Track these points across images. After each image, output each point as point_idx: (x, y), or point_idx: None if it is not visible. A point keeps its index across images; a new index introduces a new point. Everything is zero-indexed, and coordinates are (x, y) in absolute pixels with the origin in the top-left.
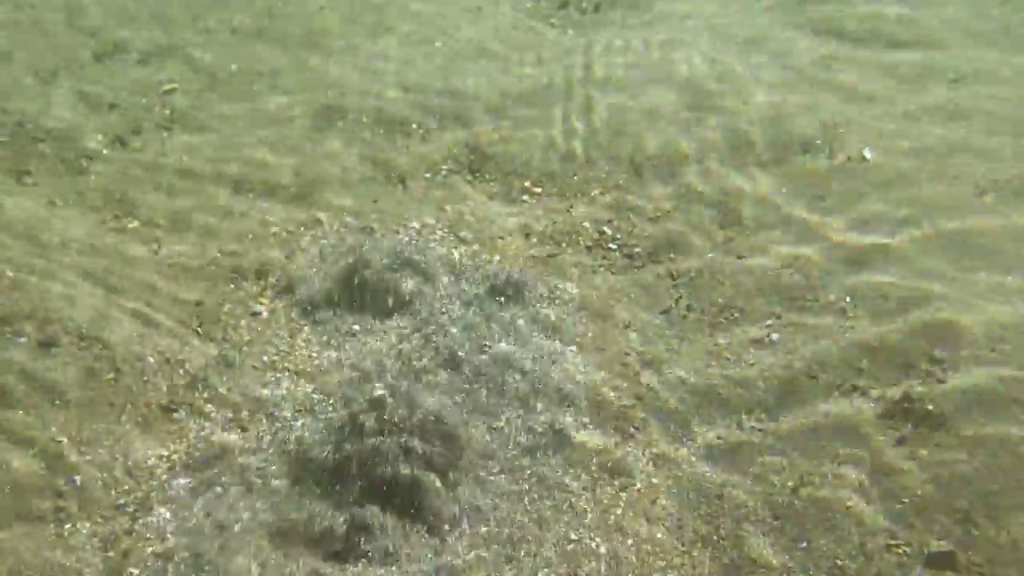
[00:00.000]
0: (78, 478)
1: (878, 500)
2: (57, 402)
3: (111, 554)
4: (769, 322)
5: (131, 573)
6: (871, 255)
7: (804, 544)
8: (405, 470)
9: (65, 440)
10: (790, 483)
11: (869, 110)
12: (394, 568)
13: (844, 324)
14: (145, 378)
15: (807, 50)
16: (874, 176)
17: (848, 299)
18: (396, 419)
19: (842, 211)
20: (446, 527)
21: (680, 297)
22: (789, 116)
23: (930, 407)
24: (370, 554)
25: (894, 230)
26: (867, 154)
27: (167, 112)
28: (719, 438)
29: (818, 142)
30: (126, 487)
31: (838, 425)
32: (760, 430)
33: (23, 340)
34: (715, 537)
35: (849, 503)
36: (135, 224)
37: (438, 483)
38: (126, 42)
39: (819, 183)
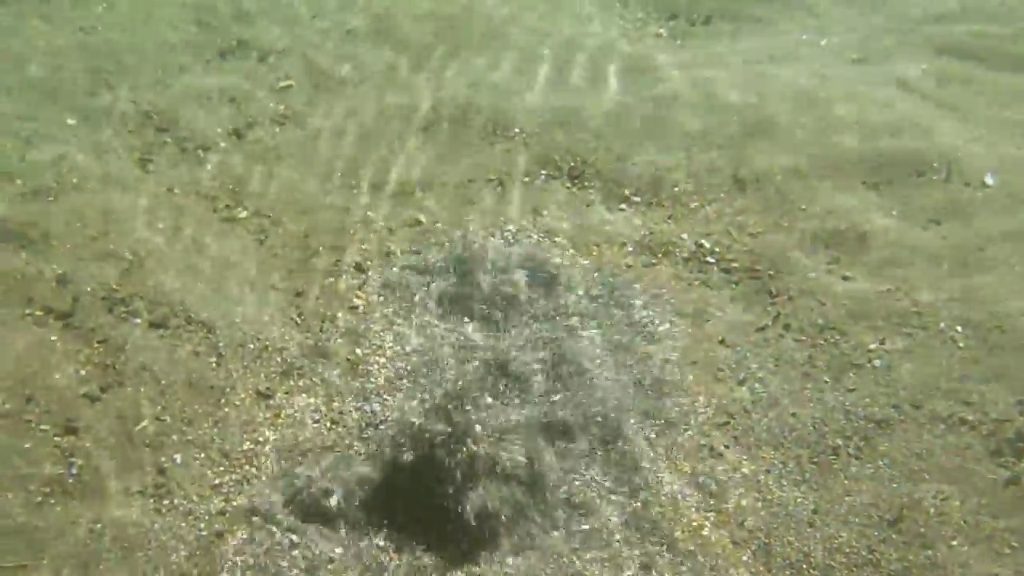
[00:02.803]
0: (179, 457)
1: (984, 542)
2: (163, 382)
3: (204, 533)
4: (872, 346)
5: (223, 553)
6: (988, 284)
7: None
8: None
9: (168, 419)
10: (888, 516)
11: (993, 134)
12: None
13: (955, 353)
14: (245, 364)
15: (927, 69)
16: (994, 203)
17: (960, 328)
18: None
19: (957, 237)
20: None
21: (778, 316)
22: (904, 136)
23: None
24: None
25: (1013, 259)
26: (988, 179)
27: (281, 108)
28: (813, 463)
29: (935, 164)
30: (222, 468)
31: (943, 460)
32: (858, 459)
33: (137, 321)
34: (804, 566)
35: (952, 542)
36: (244, 214)
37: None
38: (248, 40)
39: (934, 207)
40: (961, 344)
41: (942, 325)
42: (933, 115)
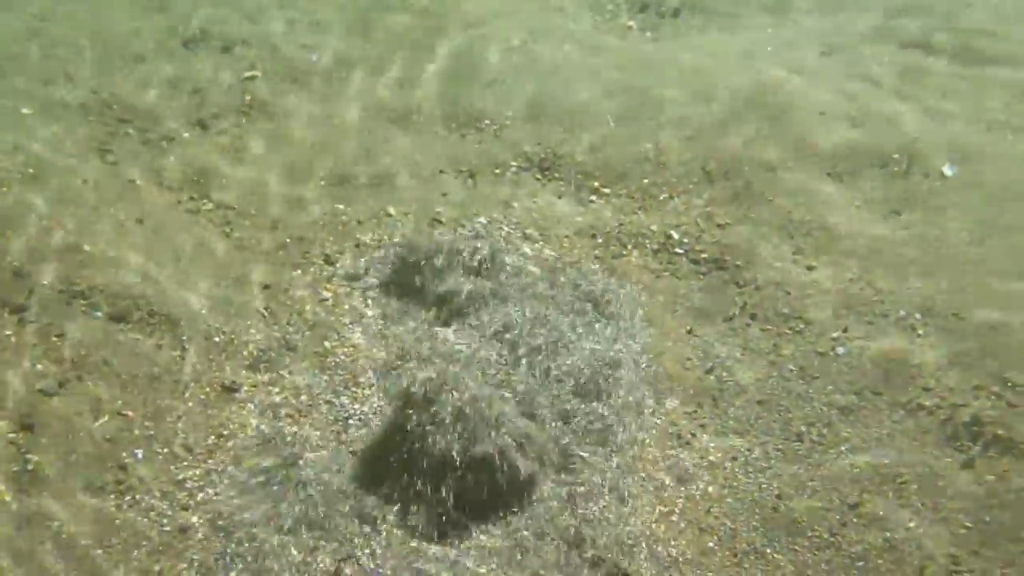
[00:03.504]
0: (140, 452)
1: (941, 524)
2: (124, 376)
3: (168, 528)
4: (835, 335)
5: (186, 548)
6: (946, 273)
7: (861, 564)
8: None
9: (131, 414)
10: (849, 500)
11: (952, 126)
12: None
13: (914, 341)
14: (210, 357)
15: (890, 63)
16: (953, 193)
17: (919, 316)
18: (447, 413)
19: (917, 227)
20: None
21: (745, 305)
22: (867, 127)
23: (1000, 431)
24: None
25: (970, 248)
26: (947, 171)
27: (247, 99)
28: (778, 449)
29: (896, 156)
30: (186, 463)
31: (902, 444)
32: (821, 444)
33: (98, 314)
34: (768, 551)
35: (910, 524)
36: (209, 206)
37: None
38: (212, 29)
39: (895, 197)
40: (920, 332)
41: (902, 313)
42: (895, 108)
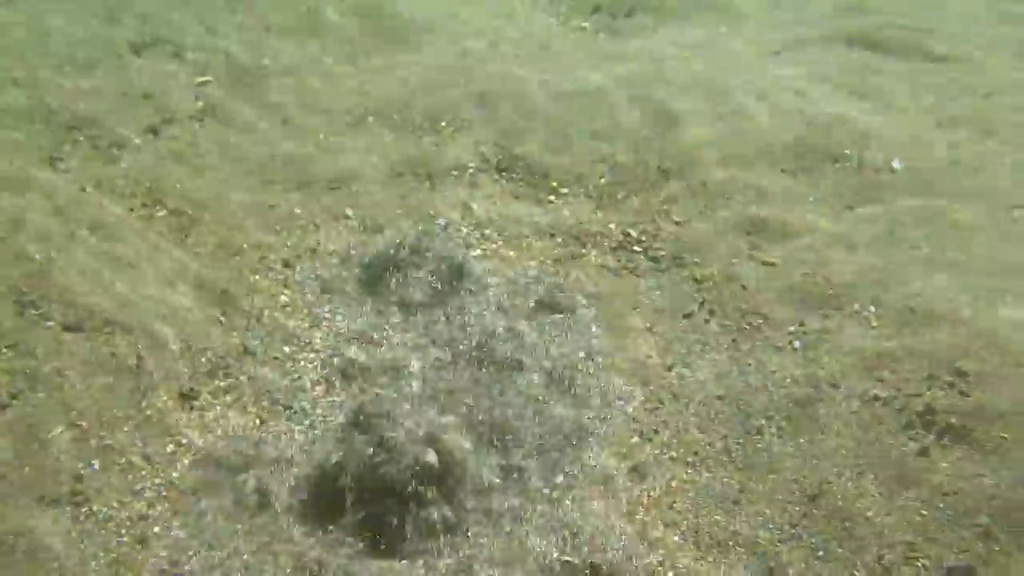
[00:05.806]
0: (96, 463)
1: (897, 512)
2: (79, 386)
3: (126, 539)
4: (792, 329)
5: (145, 559)
6: (898, 265)
7: (821, 554)
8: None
9: (85, 424)
10: (808, 492)
11: (900, 121)
12: None
13: (868, 333)
14: (167, 365)
15: (840, 60)
16: (901, 187)
17: (873, 308)
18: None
19: (869, 221)
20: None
21: (703, 302)
22: (819, 124)
23: (953, 420)
24: None
25: (919, 240)
26: (895, 164)
27: (200, 104)
28: (738, 443)
29: (847, 151)
30: (144, 473)
31: (859, 435)
32: (780, 437)
33: (50, 324)
34: (731, 543)
35: (868, 513)
36: (163, 212)
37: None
38: (163, 35)
39: (847, 192)
40: (874, 324)
41: (856, 306)
42: (845, 104)
